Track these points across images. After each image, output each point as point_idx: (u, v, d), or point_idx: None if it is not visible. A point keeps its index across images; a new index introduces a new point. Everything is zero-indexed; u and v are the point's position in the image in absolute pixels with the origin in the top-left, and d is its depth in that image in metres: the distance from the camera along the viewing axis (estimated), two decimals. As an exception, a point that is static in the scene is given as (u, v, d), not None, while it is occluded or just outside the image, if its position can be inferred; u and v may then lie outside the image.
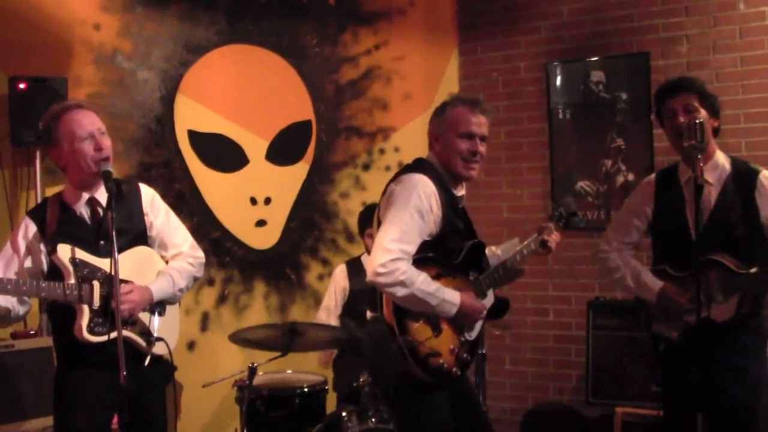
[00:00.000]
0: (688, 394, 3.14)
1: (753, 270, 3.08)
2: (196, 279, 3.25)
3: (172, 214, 3.24)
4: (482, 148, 3.02)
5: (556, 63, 5.29)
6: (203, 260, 3.28)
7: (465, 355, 2.95)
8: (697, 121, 2.97)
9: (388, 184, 3.00)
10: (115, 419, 3.07)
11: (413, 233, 2.82)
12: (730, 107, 4.75)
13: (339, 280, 4.57)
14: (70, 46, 4.33)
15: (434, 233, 2.90)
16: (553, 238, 3.24)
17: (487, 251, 3.26)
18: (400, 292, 2.75)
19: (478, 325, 3.03)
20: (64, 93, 4.05)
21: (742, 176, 3.16)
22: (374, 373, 3.17)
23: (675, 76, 3.49)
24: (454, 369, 2.90)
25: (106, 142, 2.98)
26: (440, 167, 3.02)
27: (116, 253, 2.69)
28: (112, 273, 2.90)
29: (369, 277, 2.79)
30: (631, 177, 5.06)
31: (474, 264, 3.04)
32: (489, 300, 3.08)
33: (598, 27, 5.17)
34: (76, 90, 4.25)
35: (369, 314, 3.06)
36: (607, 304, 4.81)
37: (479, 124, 3.01)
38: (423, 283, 2.77)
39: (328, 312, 4.54)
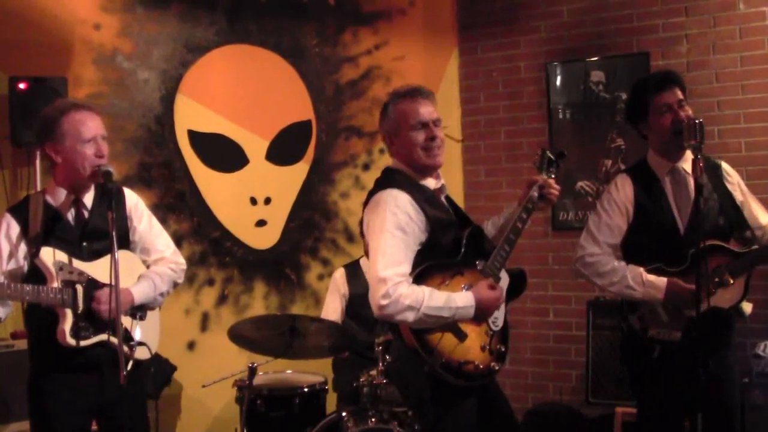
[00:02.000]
0: (681, 398, 3.12)
1: (755, 247, 3.15)
2: (176, 285, 3.23)
3: (154, 220, 3.23)
4: (440, 133, 2.92)
5: (556, 63, 5.29)
6: (185, 267, 3.26)
7: (498, 346, 2.86)
8: (697, 121, 2.97)
9: (365, 209, 2.91)
10: (94, 424, 3.05)
11: (401, 252, 2.72)
12: (730, 107, 4.76)
13: (339, 285, 4.56)
14: (70, 46, 4.33)
15: (424, 239, 2.80)
16: (550, 184, 3.09)
17: (488, 225, 3.19)
18: (411, 316, 2.65)
19: (501, 311, 2.91)
20: (64, 93, 4.05)
21: (710, 169, 3.17)
22: (403, 387, 3.04)
23: (656, 72, 3.43)
24: (492, 365, 2.82)
25: (106, 147, 2.97)
26: (406, 168, 2.91)
27: (114, 255, 2.70)
28: (94, 277, 2.92)
29: (375, 312, 2.70)
30: (631, 177, 5.06)
31: (477, 251, 2.92)
32: (504, 281, 2.95)
33: (598, 27, 5.16)
34: (76, 90, 4.26)
35: (391, 334, 2.99)
36: (607, 304, 4.80)
37: (427, 111, 2.91)
38: (430, 299, 2.67)
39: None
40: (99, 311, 2.88)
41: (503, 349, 2.89)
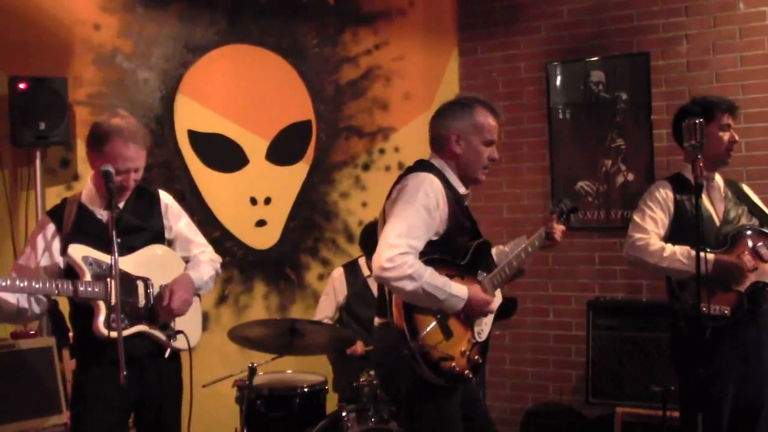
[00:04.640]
0: (725, 384, 3.34)
1: None
2: (218, 274, 3.32)
3: (190, 220, 3.32)
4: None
5: (556, 63, 5.29)
6: (221, 260, 3.36)
7: (476, 357, 2.92)
8: (697, 122, 3.07)
9: (392, 188, 2.97)
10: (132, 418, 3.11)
11: (420, 228, 2.78)
12: (730, 107, 4.76)
13: (336, 286, 4.58)
14: (70, 46, 4.33)
15: (441, 231, 2.88)
16: (558, 228, 3.28)
17: (495, 250, 3.26)
18: (409, 286, 2.70)
19: (488, 326, 2.99)
20: (64, 93, 4.05)
21: (730, 185, 3.67)
22: (384, 378, 3.11)
23: (726, 97, 3.74)
24: (467, 371, 2.88)
25: (136, 176, 3.02)
26: (448, 167, 3.00)
27: (114, 255, 2.73)
28: (127, 271, 2.98)
29: (375, 272, 2.75)
30: (631, 177, 5.06)
31: (481, 263, 3.02)
32: (497, 300, 3.05)
33: (598, 27, 5.17)
34: (76, 90, 4.25)
35: (377, 320, 3.02)
36: (607, 304, 4.81)
37: (497, 131, 3.07)
38: (431, 277, 2.74)
39: (328, 321, 4.55)
40: (169, 311, 2.97)
41: (480, 361, 2.96)
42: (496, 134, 3.04)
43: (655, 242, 3.48)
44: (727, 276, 3.38)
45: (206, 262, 3.23)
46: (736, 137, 3.55)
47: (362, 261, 4.62)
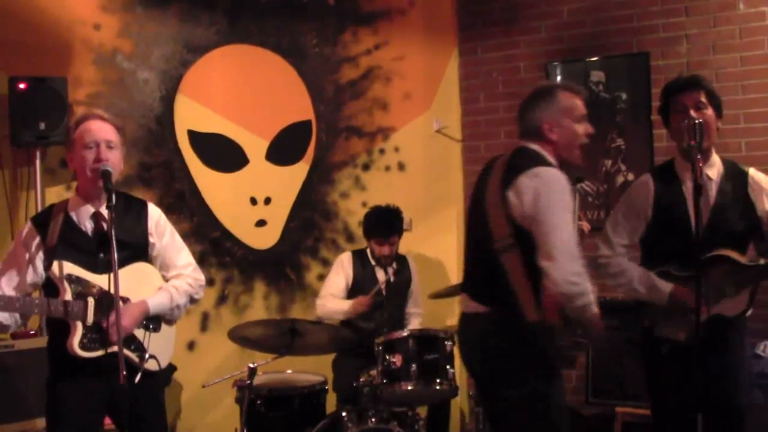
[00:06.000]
0: (689, 396, 3.14)
1: (763, 262, 3.14)
2: (194, 300, 3.24)
3: (177, 235, 3.24)
4: None
5: (556, 63, 5.28)
6: (203, 283, 3.28)
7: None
8: (697, 122, 2.99)
9: (516, 176, 2.87)
10: (107, 420, 3.07)
11: (574, 233, 2.85)
12: (730, 107, 4.72)
13: (346, 267, 4.58)
14: (70, 46, 4.33)
15: None
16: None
17: None
18: (590, 294, 2.75)
19: None
20: (64, 93, 4.05)
21: (734, 175, 3.23)
22: (503, 364, 2.97)
23: (683, 74, 3.46)
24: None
25: (111, 155, 2.96)
26: (549, 156, 2.99)
27: (116, 262, 2.69)
28: (109, 289, 2.89)
29: (563, 286, 2.71)
30: (631, 177, 5.05)
31: None
32: None
33: (598, 27, 5.16)
34: (76, 90, 4.26)
35: (481, 308, 2.98)
36: (607, 304, 4.77)
37: (584, 106, 3.10)
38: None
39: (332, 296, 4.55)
40: (108, 332, 2.90)
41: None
42: (584, 109, 3.06)
43: (617, 263, 3.30)
44: (681, 309, 3.12)
45: (178, 287, 3.14)
46: (695, 116, 3.07)
47: (369, 252, 4.61)
